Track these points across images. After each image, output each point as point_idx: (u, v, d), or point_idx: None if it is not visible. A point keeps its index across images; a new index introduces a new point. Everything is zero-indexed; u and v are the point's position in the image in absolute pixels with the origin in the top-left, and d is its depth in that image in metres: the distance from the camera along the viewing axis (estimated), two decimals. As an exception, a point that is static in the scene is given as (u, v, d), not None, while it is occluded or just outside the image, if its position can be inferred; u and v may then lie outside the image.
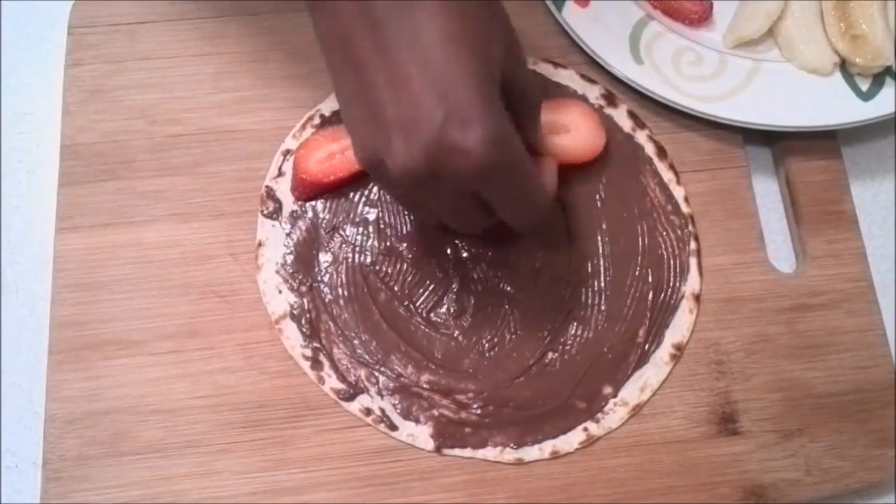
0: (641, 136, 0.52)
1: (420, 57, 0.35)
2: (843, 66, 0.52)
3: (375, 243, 0.49)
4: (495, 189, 0.38)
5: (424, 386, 0.47)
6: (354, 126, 0.39)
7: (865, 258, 0.50)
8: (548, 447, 0.46)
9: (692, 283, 0.49)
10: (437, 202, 0.40)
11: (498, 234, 0.46)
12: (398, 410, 0.46)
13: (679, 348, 0.48)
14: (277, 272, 0.48)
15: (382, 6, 0.36)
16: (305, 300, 0.48)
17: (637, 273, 0.49)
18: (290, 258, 0.49)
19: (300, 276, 0.48)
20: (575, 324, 0.48)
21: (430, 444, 0.46)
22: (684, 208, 0.50)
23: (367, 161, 0.38)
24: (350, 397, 0.46)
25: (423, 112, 0.35)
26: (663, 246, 0.50)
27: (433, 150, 0.35)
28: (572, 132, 0.49)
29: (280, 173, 0.50)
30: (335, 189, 0.50)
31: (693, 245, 0.50)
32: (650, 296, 0.48)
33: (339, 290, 0.48)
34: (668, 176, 0.51)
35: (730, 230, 0.50)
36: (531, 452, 0.46)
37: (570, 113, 0.50)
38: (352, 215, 0.50)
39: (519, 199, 0.40)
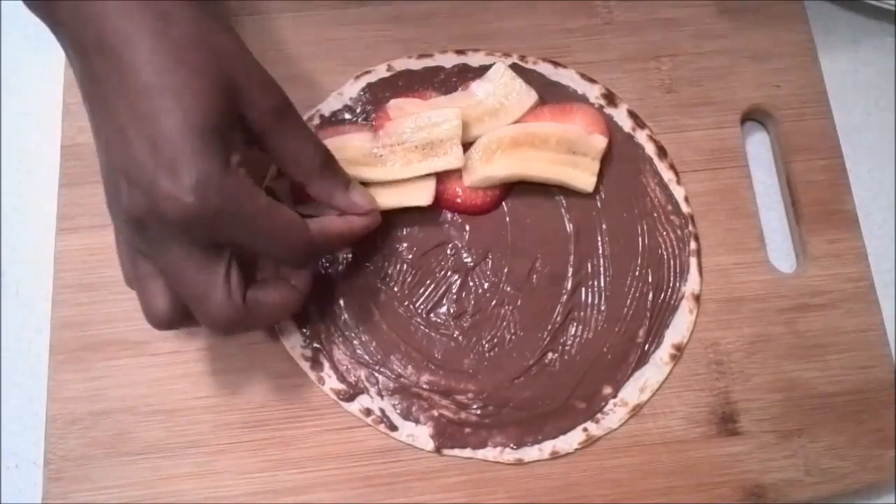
0: (642, 136, 0.52)
1: (133, 107, 0.36)
2: None
3: (375, 243, 0.49)
4: (226, 232, 0.38)
5: (424, 386, 0.47)
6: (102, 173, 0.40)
7: (865, 258, 0.50)
8: (548, 447, 0.46)
9: (692, 284, 0.49)
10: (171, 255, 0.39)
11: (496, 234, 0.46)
12: (398, 411, 0.46)
13: (679, 348, 0.48)
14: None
15: (97, 64, 0.37)
16: (305, 300, 0.48)
17: (637, 273, 0.49)
18: (290, 258, 0.49)
19: (300, 277, 0.48)
20: (575, 324, 0.48)
21: (430, 445, 0.46)
22: (684, 208, 0.50)
23: (110, 207, 0.40)
24: (350, 398, 0.46)
25: (137, 161, 0.36)
26: (663, 246, 0.50)
27: (149, 198, 0.36)
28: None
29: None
30: (335, 189, 0.50)
31: (693, 245, 0.50)
32: (650, 296, 0.48)
33: (340, 291, 0.48)
34: (668, 176, 0.51)
35: (730, 230, 0.50)
36: (531, 453, 0.46)
37: (575, 119, 0.50)
38: (352, 215, 0.50)
39: (259, 241, 0.39)
